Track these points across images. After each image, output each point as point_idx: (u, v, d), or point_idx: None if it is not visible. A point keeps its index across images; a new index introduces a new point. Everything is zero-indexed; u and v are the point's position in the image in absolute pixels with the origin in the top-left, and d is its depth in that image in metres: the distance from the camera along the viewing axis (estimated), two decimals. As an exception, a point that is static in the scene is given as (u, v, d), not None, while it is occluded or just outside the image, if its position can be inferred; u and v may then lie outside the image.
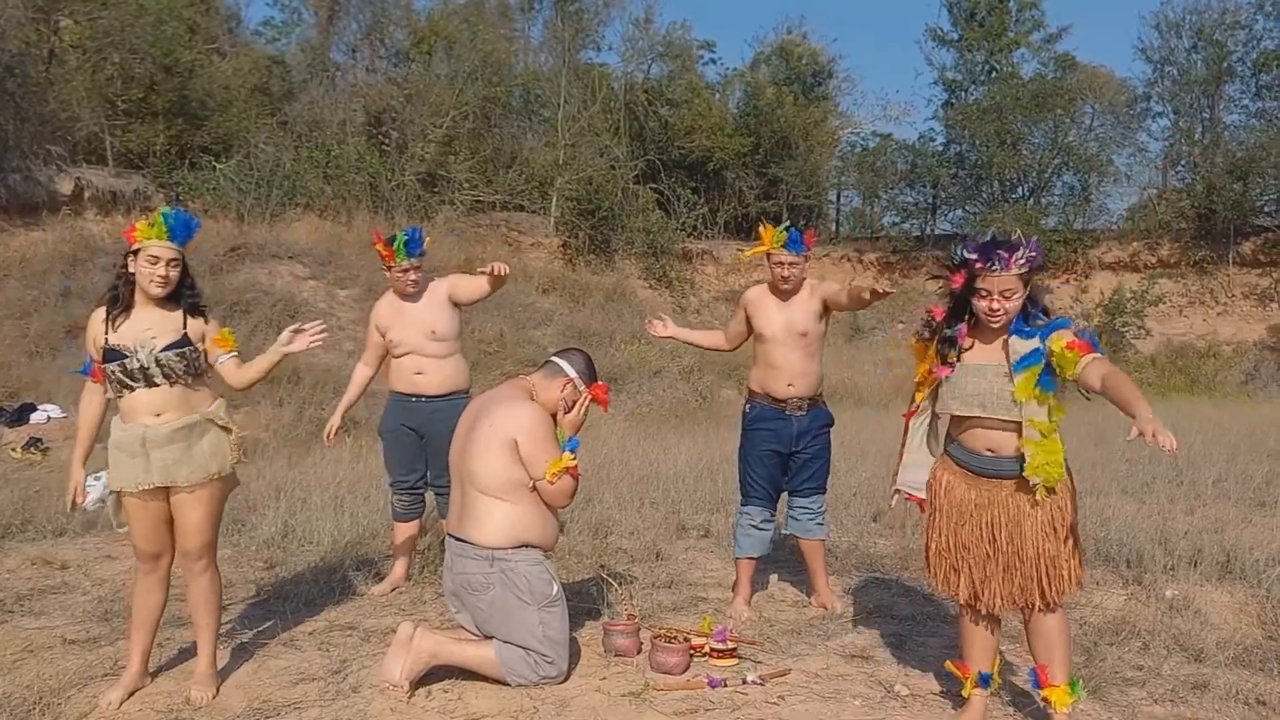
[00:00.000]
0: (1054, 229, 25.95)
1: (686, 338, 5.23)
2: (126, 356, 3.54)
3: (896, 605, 4.86)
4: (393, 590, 5.05)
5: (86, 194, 16.69)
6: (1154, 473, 8.43)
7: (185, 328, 3.62)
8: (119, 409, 3.64)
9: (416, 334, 5.03)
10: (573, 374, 3.85)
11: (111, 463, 3.64)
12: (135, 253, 3.56)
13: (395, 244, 4.92)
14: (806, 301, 4.70)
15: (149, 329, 3.57)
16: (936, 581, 3.53)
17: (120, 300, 3.60)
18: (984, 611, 3.47)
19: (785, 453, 4.78)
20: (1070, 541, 3.33)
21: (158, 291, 3.56)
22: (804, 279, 4.75)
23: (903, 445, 3.68)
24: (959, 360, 3.37)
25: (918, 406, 3.56)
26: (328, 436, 5.05)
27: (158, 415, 3.58)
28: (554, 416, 3.77)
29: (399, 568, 5.16)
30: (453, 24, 24.17)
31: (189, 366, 3.59)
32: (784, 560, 5.79)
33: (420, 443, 5.09)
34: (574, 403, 3.84)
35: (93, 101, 17.53)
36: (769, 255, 4.68)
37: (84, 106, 17.33)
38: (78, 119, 17.18)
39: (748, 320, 4.87)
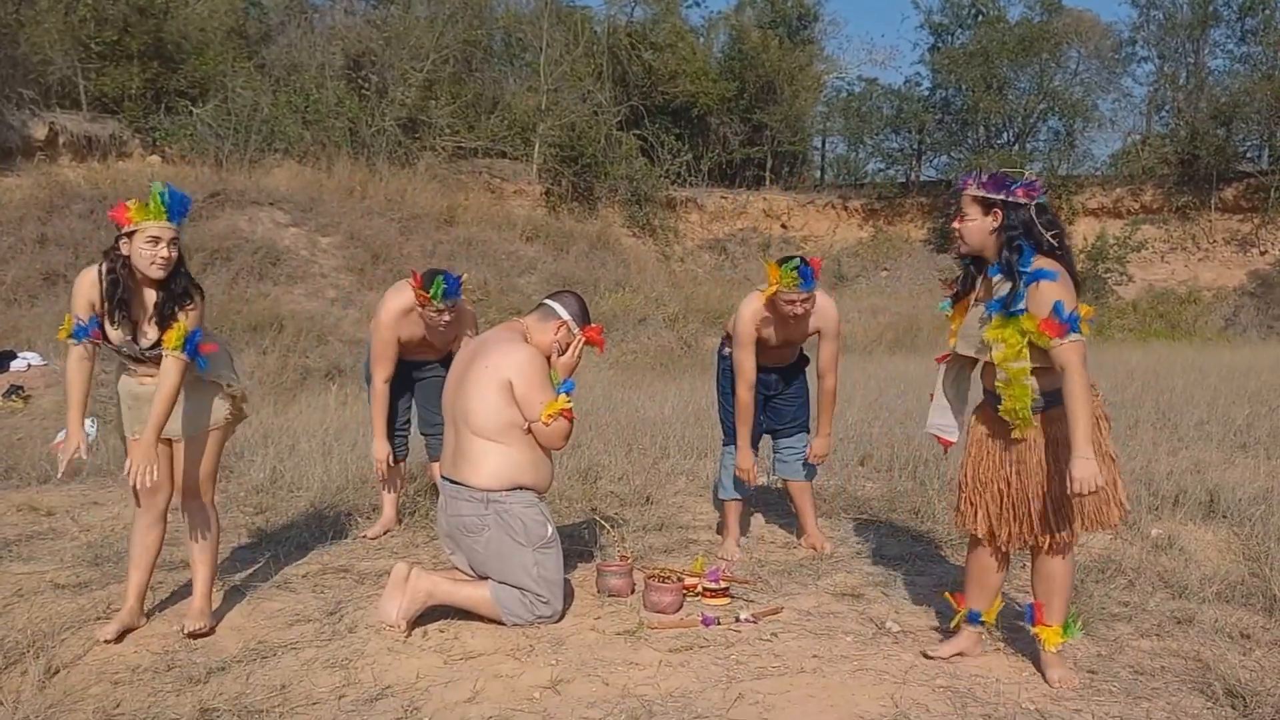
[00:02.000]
0: (1039, 174, 25.94)
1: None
2: (123, 345, 3.51)
3: (885, 546, 4.91)
4: (385, 533, 5.06)
5: (61, 139, 16.42)
6: (1137, 416, 8.49)
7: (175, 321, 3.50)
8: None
9: (433, 347, 4.99)
10: (566, 316, 3.82)
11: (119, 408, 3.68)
12: (129, 234, 3.40)
13: (433, 290, 4.61)
14: (808, 324, 4.58)
15: (143, 325, 3.50)
16: (958, 515, 3.56)
17: (122, 287, 3.44)
18: (998, 550, 3.49)
19: (764, 395, 4.79)
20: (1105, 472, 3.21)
21: (159, 274, 3.43)
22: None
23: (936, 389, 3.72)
24: (973, 301, 3.43)
25: (951, 350, 3.57)
26: (382, 467, 5.02)
27: (152, 377, 3.54)
28: (548, 359, 3.75)
29: (389, 508, 5.17)
30: (432, -35, 23.74)
31: None
32: (773, 503, 5.83)
33: (409, 390, 5.09)
34: (568, 345, 3.82)
35: (65, 44, 17.16)
36: (778, 293, 4.36)
37: (56, 49, 16.97)
38: (50, 62, 16.84)
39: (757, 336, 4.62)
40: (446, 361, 4.90)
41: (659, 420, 7.97)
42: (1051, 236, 3.20)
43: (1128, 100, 27.98)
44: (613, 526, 4.69)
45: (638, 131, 24.41)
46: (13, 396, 8.60)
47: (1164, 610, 4.09)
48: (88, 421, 7.60)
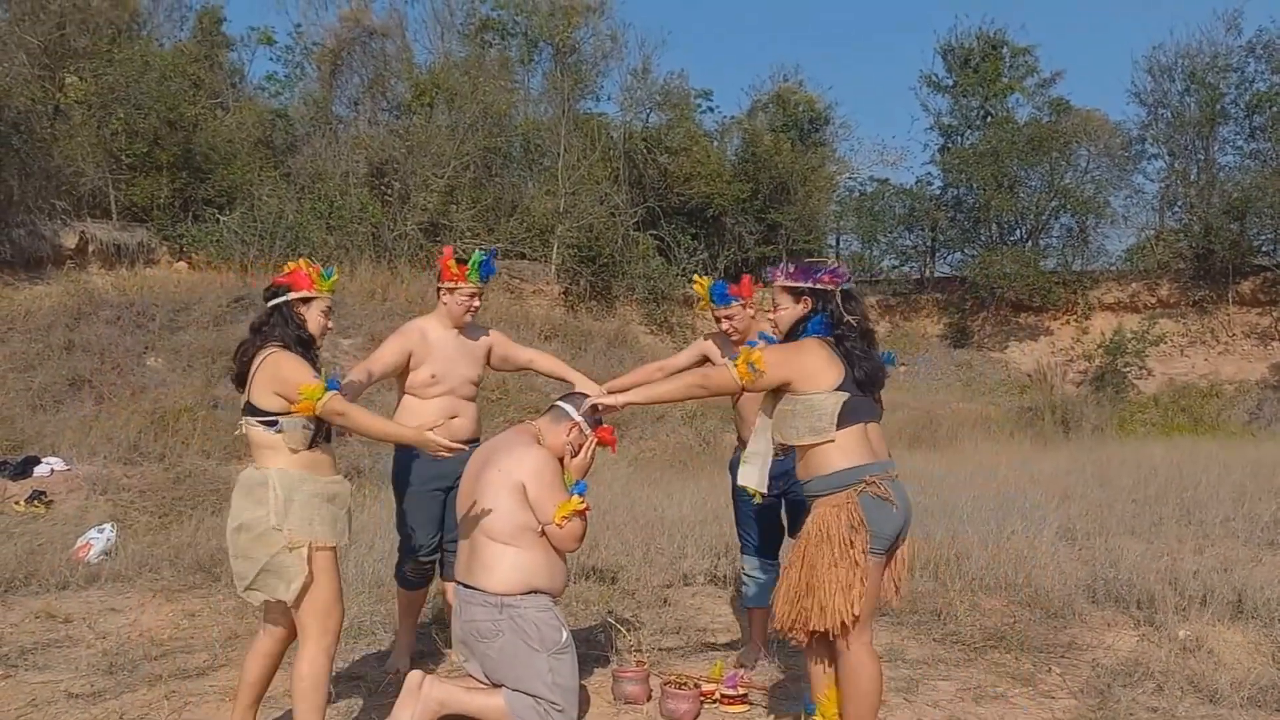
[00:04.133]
0: (1053, 270, 26.08)
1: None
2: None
3: (907, 649, 4.83)
4: (409, 657, 4.62)
5: (90, 247, 16.79)
6: (1161, 513, 8.38)
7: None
8: (299, 459, 3.39)
9: (462, 371, 4.55)
10: (578, 417, 3.85)
11: (314, 514, 3.36)
12: (306, 300, 3.54)
13: (470, 263, 4.50)
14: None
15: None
16: None
17: (307, 347, 3.52)
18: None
19: (774, 495, 4.41)
20: (834, 571, 3.09)
21: (319, 343, 3.59)
22: (751, 325, 4.54)
23: None
24: None
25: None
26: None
27: (335, 472, 3.52)
28: (561, 461, 3.77)
29: (407, 637, 4.70)
30: (453, 77, 24.43)
31: None
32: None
33: (444, 498, 4.49)
34: (581, 446, 3.84)
35: (97, 156, 17.67)
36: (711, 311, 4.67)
37: (88, 161, 17.47)
38: (82, 174, 17.31)
39: (703, 358, 4.71)
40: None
41: (677, 519, 7.91)
42: (853, 320, 3.37)
43: (1140, 196, 28.10)
44: (629, 630, 4.64)
45: (654, 232, 24.75)
46: (35, 502, 8.63)
47: (1194, 716, 3.99)
48: (108, 526, 7.67)
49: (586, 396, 3.98)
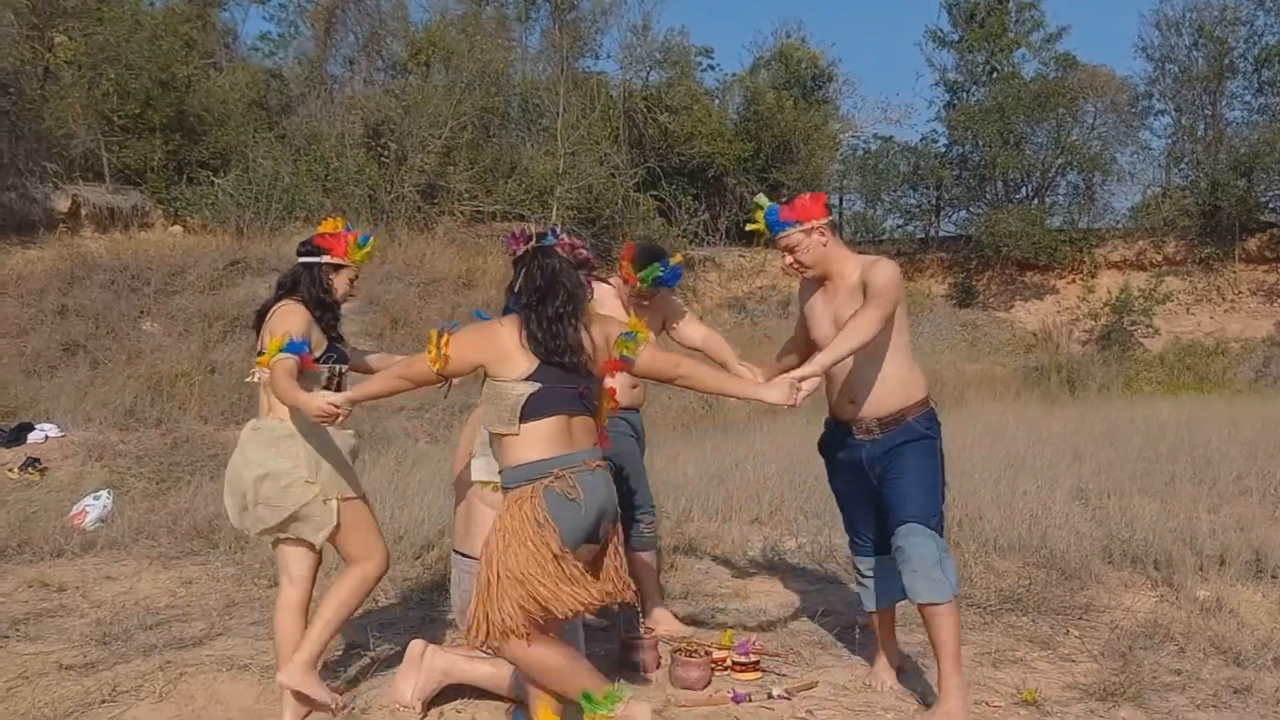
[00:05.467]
0: (1059, 228, 25.88)
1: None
2: (343, 354, 3.66)
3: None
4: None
5: (83, 211, 16.58)
6: (1173, 471, 8.27)
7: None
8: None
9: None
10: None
11: (340, 467, 3.51)
12: (337, 267, 3.61)
13: (645, 274, 4.18)
14: (851, 289, 3.53)
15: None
16: None
17: (326, 310, 3.61)
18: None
19: (869, 485, 3.65)
20: (523, 567, 2.83)
21: (343, 305, 3.71)
22: (827, 256, 3.58)
23: None
24: None
25: None
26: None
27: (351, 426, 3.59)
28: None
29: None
30: (450, 35, 24.10)
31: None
32: (804, 569, 5.64)
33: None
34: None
35: (89, 118, 17.39)
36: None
37: (80, 123, 17.20)
38: (74, 135, 17.05)
39: (804, 325, 3.82)
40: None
41: (681, 482, 7.79)
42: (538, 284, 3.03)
43: (1146, 153, 27.76)
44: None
45: (655, 192, 24.50)
46: (29, 469, 8.51)
47: (1219, 679, 3.89)
48: (104, 492, 7.56)
49: None
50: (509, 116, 24.64)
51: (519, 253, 3.08)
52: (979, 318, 25.23)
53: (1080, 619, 4.66)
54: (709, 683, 3.71)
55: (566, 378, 2.94)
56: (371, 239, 3.75)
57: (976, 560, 5.36)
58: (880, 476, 3.55)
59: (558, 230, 3.18)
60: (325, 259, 3.59)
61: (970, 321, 25.10)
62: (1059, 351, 22.65)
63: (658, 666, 3.89)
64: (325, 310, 3.58)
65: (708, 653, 3.82)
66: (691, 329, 4.46)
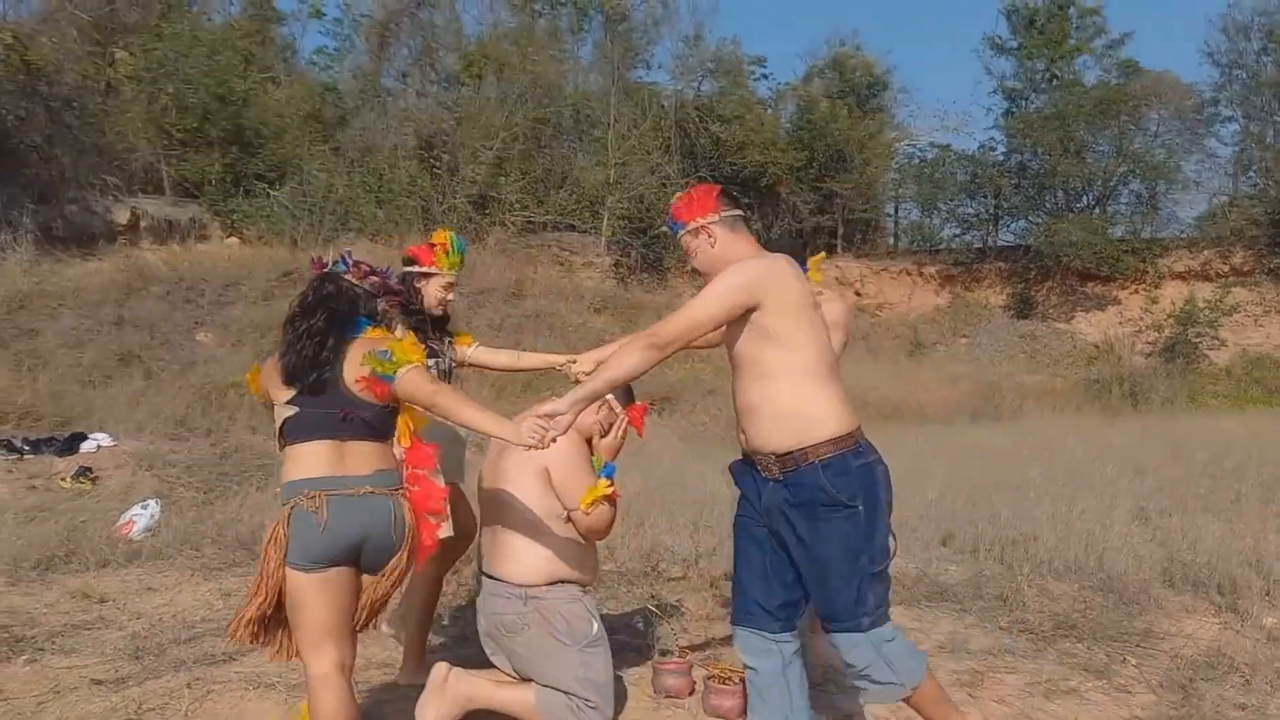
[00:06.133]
0: (1121, 238, 25.32)
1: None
2: (439, 356, 3.82)
3: (970, 638, 4.50)
4: None
5: (143, 223, 16.88)
6: (1239, 490, 7.94)
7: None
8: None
9: None
10: (608, 395, 3.56)
11: (451, 457, 3.70)
12: (427, 275, 3.86)
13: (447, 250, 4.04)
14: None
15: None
16: None
17: (413, 316, 3.83)
18: None
19: (767, 534, 3.01)
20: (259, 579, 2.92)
21: (439, 313, 3.91)
22: (720, 258, 3.01)
23: None
24: None
25: None
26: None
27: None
28: (589, 441, 3.48)
29: None
30: (502, 47, 24.24)
31: None
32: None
33: None
34: (610, 426, 3.55)
35: (149, 132, 17.76)
36: None
37: (140, 137, 17.58)
38: (134, 149, 17.42)
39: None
40: None
41: (729, 496, 7.62)
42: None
43: (1213, 161, 27.07)
44: (671, 617, 4.37)
45: (707, 203, 24.40)
46: (81, 478, 8.60)
47: (1290, 715, 3.65)
48: (152, 502, 7.59)
49: None
50: (560, 127, 24.71)
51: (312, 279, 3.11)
52: (1038, 329, 24.73)
53: (1138, 646, 4.43)
54: (744, 711, 3.56)
55: (321, 401, 2.91)
56: (465, 246, 3.97)
57: (1030, 583, 5.14)
58: (789, 540, 2.90)
59: (349, 258, 3.17)
60: (413, 269, 3.85)
61: (1029, 333, 24.61)
62: (1121, 364, 22.11)
63: (691, 693, 3.75)
64: (410, 316, 3.82)
65: (742, 680, 3.67)
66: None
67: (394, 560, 2.93)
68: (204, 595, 5.47)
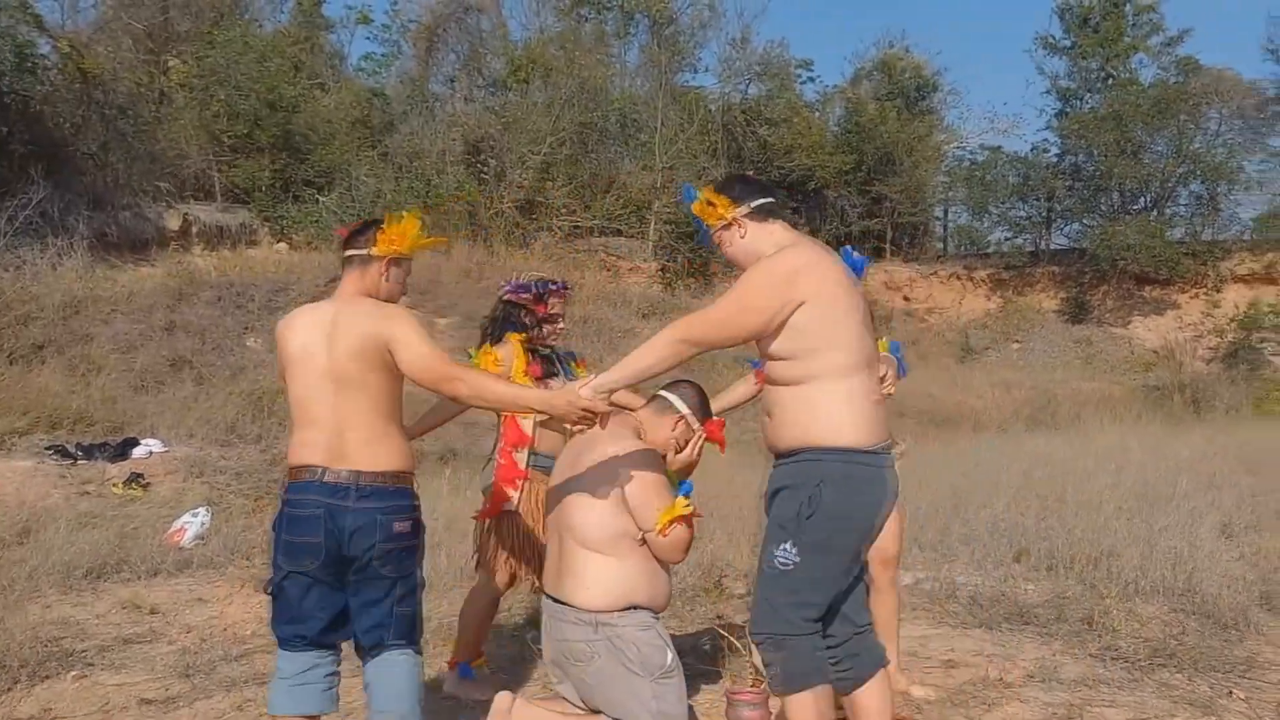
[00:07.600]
0: (1180, 240, 24.66)
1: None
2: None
3: (1061, 666, 4.21)
4: None
5: (194, 229, 16.98)
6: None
7: None
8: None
9: None
10: (685, 410, 3.34)
11: None
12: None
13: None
14: None
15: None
16: None
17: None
18: None
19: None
20: None
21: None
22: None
23: None
24: None
25: None
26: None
27: None
28: (664, 458, 3.26)
29: None
30: (549, 52, 24.17)
31: None
32: (921, 607, 5.19)
33: None
34: (687, 442, 3.34)
35: (200, 138, 17.90)
36: None
37: (192, 144, 17.71)
38: (186, 156, 17.54)
39: None
40: None
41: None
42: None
43: (1276, 160, 26.23)
44: (743, 647, 4.11)
45: (754, 207, 24.17)
46: (133, 484, 8.56)
47: None
48: (202, 509, 7.52)
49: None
50: (607, 132, 24.57)
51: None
52: (1094, 334, 24.16)
53: (1244, 677, 4.12)
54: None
55: None
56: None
57: (1120, 604, 4.84)
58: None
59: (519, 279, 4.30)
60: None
61: (1084, 338, 24.05)
62: (1182, 370, 21.50)
63: (767, 723, 3.52)
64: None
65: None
66: None
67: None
68: (254, 608, 5.34)
